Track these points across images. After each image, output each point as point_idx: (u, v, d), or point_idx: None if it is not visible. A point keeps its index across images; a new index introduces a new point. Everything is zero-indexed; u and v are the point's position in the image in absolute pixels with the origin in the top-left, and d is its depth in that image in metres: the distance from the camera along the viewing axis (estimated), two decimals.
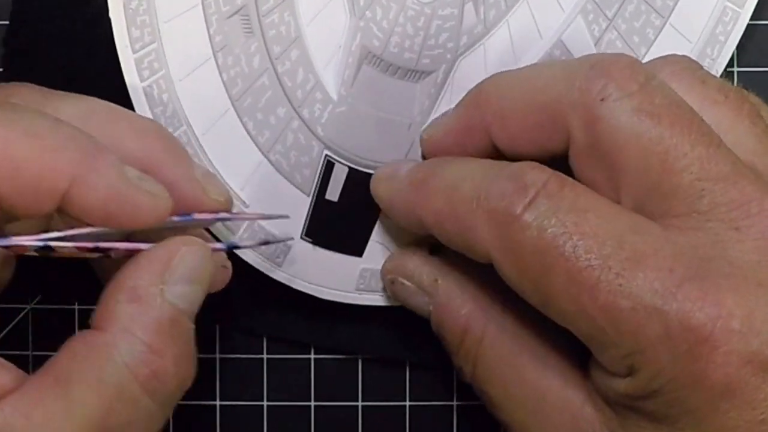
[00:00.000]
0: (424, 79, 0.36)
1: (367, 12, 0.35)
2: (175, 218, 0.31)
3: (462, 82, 0.36)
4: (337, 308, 0.37)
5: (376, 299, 0.37)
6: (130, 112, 0.32)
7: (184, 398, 0.30)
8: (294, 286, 0.37)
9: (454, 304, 0.34)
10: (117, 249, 0.30)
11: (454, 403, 0.40)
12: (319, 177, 0.36)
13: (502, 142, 0.32)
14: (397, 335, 0.38)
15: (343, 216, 0.36)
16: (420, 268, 0.35)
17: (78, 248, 0.30)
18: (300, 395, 0.39)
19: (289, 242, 0.36)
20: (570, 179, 0.30)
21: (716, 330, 0.27)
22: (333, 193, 0.36)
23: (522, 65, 0.36)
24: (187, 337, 0.30)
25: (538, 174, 0.30)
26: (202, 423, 0.39)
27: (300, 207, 0.36)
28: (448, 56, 0.36)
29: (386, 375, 0.39)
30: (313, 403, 0.39)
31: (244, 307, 0.38)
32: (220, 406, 0.39)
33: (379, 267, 0.37)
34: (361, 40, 0.35)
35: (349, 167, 0.36)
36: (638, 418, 0.29)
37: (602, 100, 0.30)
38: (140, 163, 0.31)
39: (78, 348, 0.29)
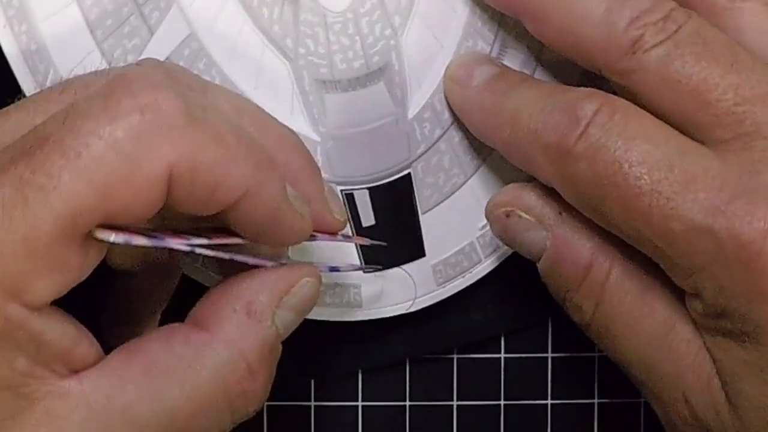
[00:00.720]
0: (384, 74, 0.35)
1: (299, 50, 0.35)
2: None
3: (416, 56, 0.36)
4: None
5: (460, 283, 0.38)
6: (271, 116, 0.31)
7: None
8: (381, 317, 0.37)
9: (580, 236, 0.32)
10: (247, 263, 0.30)
11: (454, 403, 0.40)
12: (347, 213, 0.36)
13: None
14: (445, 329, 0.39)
15: (389, 232, 0.37)
16: (542, 199, 0.33)
17: (216, 257, 0.29)
18: (300, 395, 0.39)
19: (359, 283, 0.37)
20: (622, 102, 0.30)
21: (767, 244, 0.28)
22: (368, 219, 0.37)
23: (458, 10, 0.35)
24: (275, 365, 0.30)
25: (589, 104, 0.30)
26: None
27: (347, 246, 0.37)
28: (392, 42, 0.35)
29: (386, 375, 0.40)
30: (313, 404, 0.39)
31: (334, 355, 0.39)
32: None
33: (444, 255, 0.37)
34: (309, 77, 0.35)
35: (367, 188, 0.36)
36: (727, 341, 0.30)
37: (634, 53, 0.30)
38: (282, 171, 0.29)
39: (175, 341, 0.28)
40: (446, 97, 0.36)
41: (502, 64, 0.35)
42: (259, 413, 0.38)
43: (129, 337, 0.29)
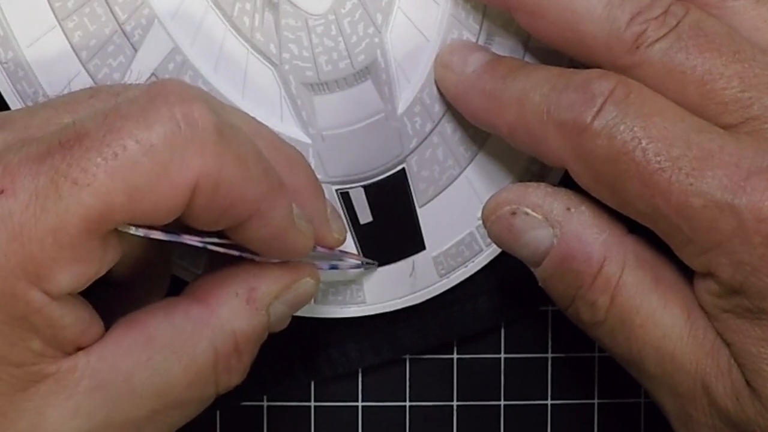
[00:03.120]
0: (370, 72, 0.35)
1: (284, 55, 0.35)
2: None
3: (402, 51, 0.36)
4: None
5: (462, 273, 0.38)
6: (280, 138, 0.33)
7: None
8: (386, 311, 0.38)
9: (590, 232, 0.32)
10: (254, 260, 0.31)
11: (454, 403, 0.40)
12: (344, 212, 0.37)
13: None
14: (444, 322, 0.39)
15: (387, 227, 0.37)
16: (550, 196, 0.33)
17: (227, 254, 0.31)
18: (300, 395, 0.40)
19: (362, 280, 0.37)
20: (636, 83, 0.30)
21: None
22: (365, 216, 0.37)
23: (440, 2, 0.35)
24: (258, 348, 0.32)
25: (604, 82, 0.30)
26: None
27: (347, 246, 0.37)
28: (376, 40, 0.35)
29: (386, 375, 0.40)
30: (313, 404, 0.40)
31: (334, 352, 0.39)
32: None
33: (445, 247, 0.37)
34: (296, 80, 0.35)
35: (363, 186, 0.36)
36: (743, 323, 0.30)
37: (637, 48, 0.30)
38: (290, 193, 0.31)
39: (175, 315, 0.30)
40: (438, 85, 0.36)
41: (494, 53, 0.35)
42: (259, 413, 0.39)
43: None
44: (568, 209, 0.32)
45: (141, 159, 0.26)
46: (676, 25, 0.31)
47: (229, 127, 0.28)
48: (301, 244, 0.31)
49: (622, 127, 0.29)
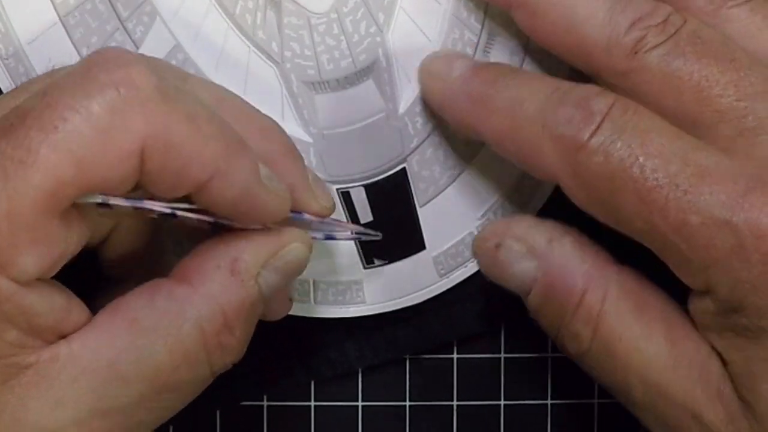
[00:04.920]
0: (372, 71, 0.35)
1: (285, 53, 0.35)
2: (289, 214, 0.31)
3: (404, 51, 0.35)
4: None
5: (462, 273, 0.38)
6: (253, 107, 0.32)
7: None
8: (386, 310, 0.38)
9: (573, 264, 0.33)
10: (233, 227, 0.30)
11: (455, 403, 0.40)
12: (345, 211, 0.36)
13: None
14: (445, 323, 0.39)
15: (388, 227, 0.37)
16: (532, 229, 0.34)
17: (198, 220, 0.30)
18: (300, 395, 0.40)
19: (362, 279, 0.37)
20: (633, 102, 0.30)
21: None
22: (366, 216, 0.37)
23: (442, 2, 0.35)
24: (254, 322, 0.31)
25: (603, 99, 0.30)
26: None
27: (346, 244, 0.37)
28: (378, 39, 0.35)
29: (386, 375, 0.40)
30: (313, 404, 0.40)
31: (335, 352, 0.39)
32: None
33: (445, 247, 0.37)
34: (297, 79, 0.35)
35: (363, 185, 0.36)
36: (740, 341, 0.29)
37: (635, 53, 0.30)
38: (261, 161, 0.30)
39: (158, 296, 0.29)
40: (424, 97, 0.35)
41: (479, 59, 0.35)
42: (259, 413, 0.39)
43: None
44: (551, 241, 0.33)
45: (82, 128, 0.26)
46: (675, 32, 0.31)
47: (173, 88, 0.28)
48: (274, 205, 0.30)
49: (619, 144, 0.29)
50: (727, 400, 0.30)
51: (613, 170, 0.29)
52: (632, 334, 0.32)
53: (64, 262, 0.28)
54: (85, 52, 0.34)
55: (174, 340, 0.29)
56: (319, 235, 0.33)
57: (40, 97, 0.27)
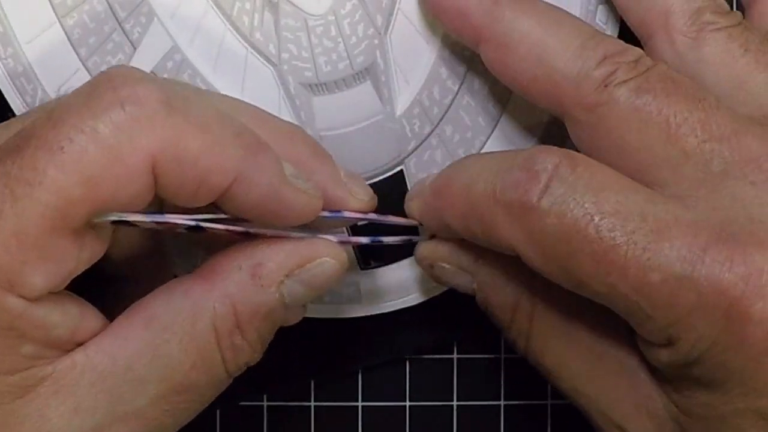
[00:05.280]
0: (369, 73, 0.35)
1: (283, 55, 0.35)
2: (325, 213, 0.31)
3: (402, 53, 0.35)
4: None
5: None
6: (274, 115, 0.32)
7: None
8: (384, 311, 0.38)
9: (500, 281, 0.33)
10: (266, 235, 0.30)
11: (455, 403, 0.40)
12: None
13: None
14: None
15: (384, 228, 0.37)
16: (458, 249, 0.34)
17: (228, 230, 0.29)
18: (300, 395, 0.40)
19: (357, 280, 0.37)
20: (581, 156, 0.30)
21: (748, 288, 0.27)
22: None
23: None
24: (272, 328, 0.31)
25: (548, 157, 0.29)
26: None
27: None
28: (376, 41, 0.35)
29: (386, 375, 0.40)
30: (313, 404, 0.40)
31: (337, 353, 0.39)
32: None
33: None
34: (294, 81, 0.35)
35: None
36: (688, 384, 0.29)
37: (605, 86, 0.30)
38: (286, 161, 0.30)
39: (175, 295, 0.29)
40: (407, 214, 0.34)
41: None
42: (259, 413, 0.39)
43: None
44: (477, 260, 0.33)
45: (88, 147, 0.26)
46: (646, 71, 0.30)
47: (182, 98, 0.28)
48: (304, 203, 0.29)
49: (572, 204, 0.28)
50: (657, 417, 0.30)
51: (568, 232, 0.28)
52: (559, 349, 0.32)
53: (76, 275, 0.28)
54: (83, 52, 0.34)
55: (189, 338, 0.29)
56: (365, 240, 0.33)
57: (46, 118, 0.27)
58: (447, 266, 0.34)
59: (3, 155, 0.27)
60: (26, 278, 0.26)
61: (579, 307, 0.32)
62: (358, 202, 0.32)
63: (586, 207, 0.28)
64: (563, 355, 0.32)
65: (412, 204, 0.34)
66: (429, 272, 0.35)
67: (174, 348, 0.29)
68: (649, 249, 0.28)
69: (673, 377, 0.30)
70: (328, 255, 0.31)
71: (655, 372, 0.31)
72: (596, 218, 0.28)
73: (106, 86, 0.27)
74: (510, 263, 0.32)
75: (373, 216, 0.33)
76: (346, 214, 0.32)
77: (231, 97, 0.32)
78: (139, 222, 0.28)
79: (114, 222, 0.28)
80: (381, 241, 0.34)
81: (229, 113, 0.29)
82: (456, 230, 0.32)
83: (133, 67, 0.28)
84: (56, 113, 0.27)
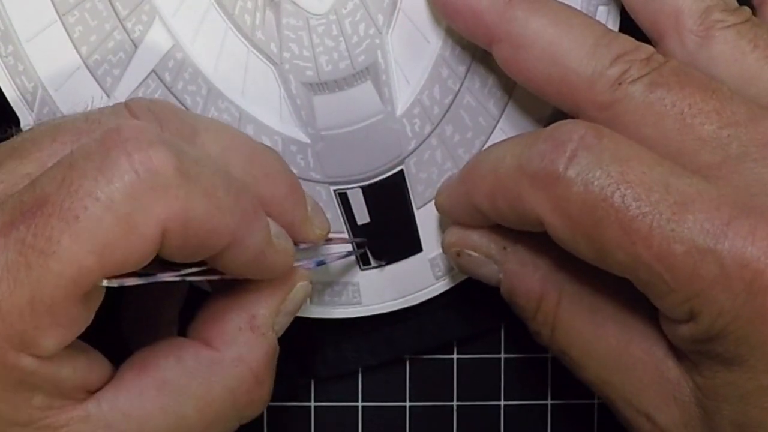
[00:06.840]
0: (370, 73, 0.35)
1: (284, 54, 0.35)
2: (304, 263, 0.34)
3: (403, 53, 0.35)
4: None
5: (459, 275, 0.38)
6: (259, 145, 0.33)
7: None
8: (384, 311, 0.38)
9: (527, 270, 0.33)
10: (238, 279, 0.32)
11: (455, 403, 0.40)
12: (341, 212, 0.37)
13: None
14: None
15: (384, 228, 0.37)
16: (486, 237, 0.34)
17: (208, 281, 0.31)
18: (300, 395, 0.40)
19: (359, 281, 0.37)
20: (607, 129, 0.30)
21: None
22: (363, 217, 0.37)
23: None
24: (275, 363, 0.33)
25: (574, 128, 0.30)
26: None
27: (345, 245, 0.37)
28: (377, 41, 0.35)
29: (386, 375, 0.40)
30: (313, 404, 0.40)
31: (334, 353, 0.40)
32: None
33: (440, 250, 0.37)
34: (296, 80, 0.35)
35: (360, 187, 0.36)
36: (711, 363, 0.29)
37: (619, 84, 0.30)
38: (267, 204, 0.31)
39: (188, 360, 0.30)
40: (438, 212, 0.36)
41: None
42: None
43: (149, 343, 0.31)
44: (505, 248, 0.34)
45: (103, 216, 0.26)
46: (659, 66, 0.31)
47: (193, 163, 0.28)
48: (281, 262, 0.31)
49: (598, 173, 0.29)
50: (686, 407, 0.30)
51: (594, 200, 0.29)
52: (585, 338, 0.32)
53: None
54: (84, 50, 0.34)
55: (204, 402, 0.30)
56: (311, 264, 0.34)
57: (59, 182, 0.27)
58: (474, 254, 0.34)
59: (15, 218, 0.27)
60: (39, 341, 0.27)
61: (605, 296, 0.32)
62: (317, 236, 0.34)
63: (613, 176, 0.29)
64: (589, 344, 0.32)
65: (441, 200, 0.35)
66: (455, 260, 0.35)
67: (189, 411, 0.30)
68: (673, 220, 0.28)
69: (696, 356, 0.30)
70: (300, 280, 0.33)
71: (681, 357, 0.31)
72: (622, 187, 0.28)
73: (120, 150, 0.27)
74: (537, 252, 0.33)
75: (321, 243, 0.35)
76: (302, 246, 0.33)
77: (225, 128, 0.32)
78: (132, 285, 0.28)
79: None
80: (325, 262, 0.36)
81: (221, 157, 0.30)
82: (483, 210, 0.32)
83: (144, 126, 0.28)
84: (69, 176, 0.27)
